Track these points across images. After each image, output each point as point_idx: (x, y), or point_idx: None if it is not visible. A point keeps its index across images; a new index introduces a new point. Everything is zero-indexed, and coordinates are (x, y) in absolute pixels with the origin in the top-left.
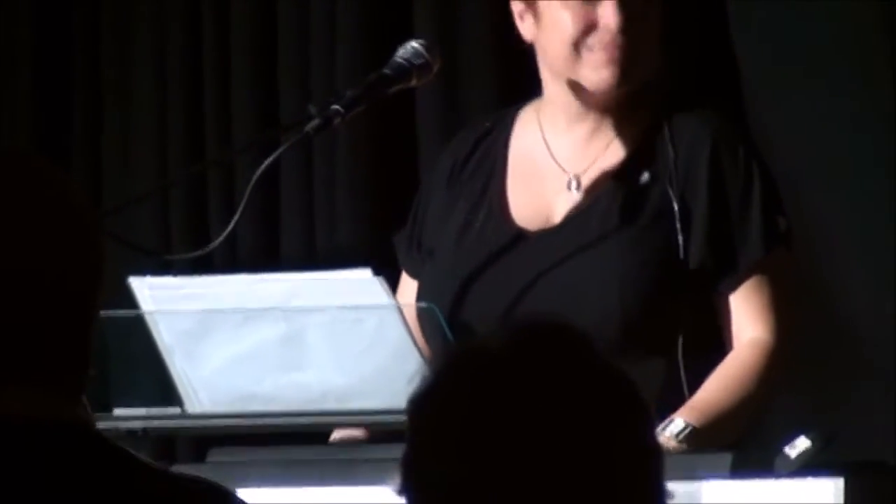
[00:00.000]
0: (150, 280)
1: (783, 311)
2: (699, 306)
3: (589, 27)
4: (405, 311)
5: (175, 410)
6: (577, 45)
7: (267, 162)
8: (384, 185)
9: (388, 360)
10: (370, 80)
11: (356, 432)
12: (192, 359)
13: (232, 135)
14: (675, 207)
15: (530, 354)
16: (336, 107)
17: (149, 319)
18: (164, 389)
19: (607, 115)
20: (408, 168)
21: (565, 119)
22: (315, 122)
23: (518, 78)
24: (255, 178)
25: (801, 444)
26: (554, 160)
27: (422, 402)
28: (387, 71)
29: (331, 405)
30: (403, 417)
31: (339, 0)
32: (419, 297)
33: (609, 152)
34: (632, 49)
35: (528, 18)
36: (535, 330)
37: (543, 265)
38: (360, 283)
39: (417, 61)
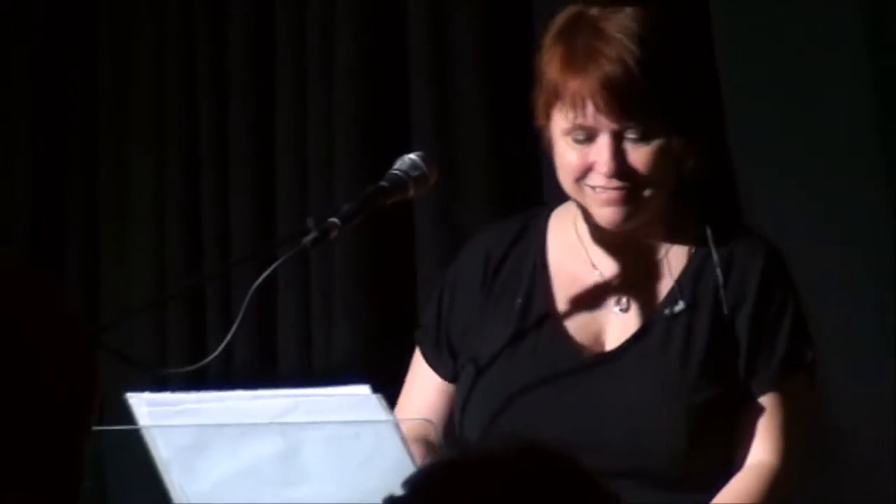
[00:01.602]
0: (147, 396)
1: (793, 436)
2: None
3: (587, 167)
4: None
5: None
6: (579, 182)
7: (264, 275)
8: (381, 298)
9: (385, 476)
10: (367, 192)
11: None
12: (189, 474)
13: (230, 247)
14: (733, 332)
15: (511, 471)
16: (333, 220)
17: (146, 434)
18: None
19: (652, 226)
20: (405, 281)
21: (608, 233)
22: (312, 235)
23: (514, 189)
24: (251, 291)
25: None
26: (599, 274)
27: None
28: (384, 183)
29: None
30: None
31: (336, 113)
32: (466, 411)
33: (657, 271)
34: (633, 185)
35: (546, 139)
36: (522, 449)
37: (603, 391)
38: (358, 399)
39: (414, 173)
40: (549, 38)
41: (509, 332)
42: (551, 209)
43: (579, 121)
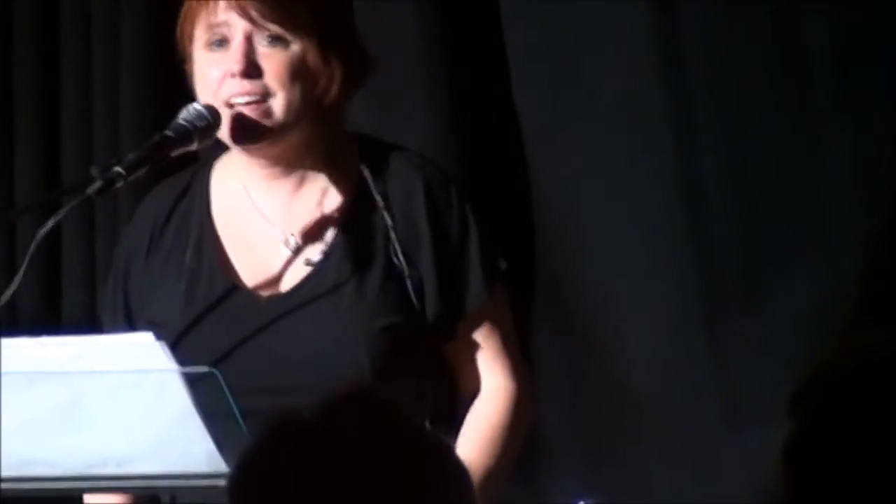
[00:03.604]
0: None
1: (514, 351)
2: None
3: (224, 76)
4: None
5: None
6: (218, 98)
7: (49, 224)
8: None
9: (169, 424)
10: (152, 142)
11: (115, 499)
12: None
13: (14, 196)
14: (402, 259)
15: (347, 424)
16: (118, 169)
17: None
18: None
19: (309, 165)
20: None
21: (264, 174)
22: (97, 185)
23: None
24: (36, 240)
25: None
26: (264, 218)
27: (242, 476)
28: (169, 133)
29: (111, 470)
30: (182, 482)
31: (123, 62)
32: None
33: (322, 207)
34: (265, 93)
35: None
36: (348, 400)
37: (285, 333)
38: (141, 347)
39: (199, 123)
40: None
41: (182, 290)
42: (215, 161)
43: (212, 20)
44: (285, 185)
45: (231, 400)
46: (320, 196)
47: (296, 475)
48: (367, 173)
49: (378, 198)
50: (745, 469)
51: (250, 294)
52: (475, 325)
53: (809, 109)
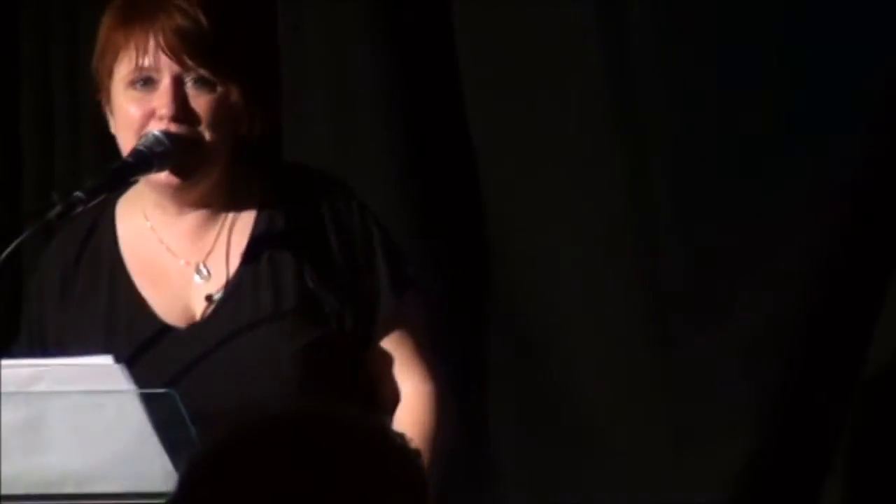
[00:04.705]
0: None
1: (429, 355)
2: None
3: (148, 115)
4: None
5: None
6: (140, 136)
7: (9, 249)
8: None
9: (127, 444)
10: (112, 167)
11: None
12: None
13: None
14: (313, 277)
15: (295, 437)
16: (78, 194)
17: None
18: None
19: (216, 199)
20: None
21: (174, 207)
22: (57, 209)
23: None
24: None
25: None
26: (171, 251)
27: (186, 490)
28: (129, 159)
29: (70, 489)
30: (140, 501)
31: (81, 87)
32: None
33: (231, 235)
34: (193, 139)
35: (108, 112)
36: (302, 407)
37: (207, 361)
38: (101, 368)
39: (158, 149)
40: (110, 5)
41: (101, 332)
42: (117, 198)
43: (140, 61)
44: (194, 217)
45: (188, 420)
46: (228, 225)
47: (254, 479)
48: (271, 199)
49: (283, 222)
50: (696, 490)
51: (170, 328)
52: (389, 332)
53: (762, 131)
